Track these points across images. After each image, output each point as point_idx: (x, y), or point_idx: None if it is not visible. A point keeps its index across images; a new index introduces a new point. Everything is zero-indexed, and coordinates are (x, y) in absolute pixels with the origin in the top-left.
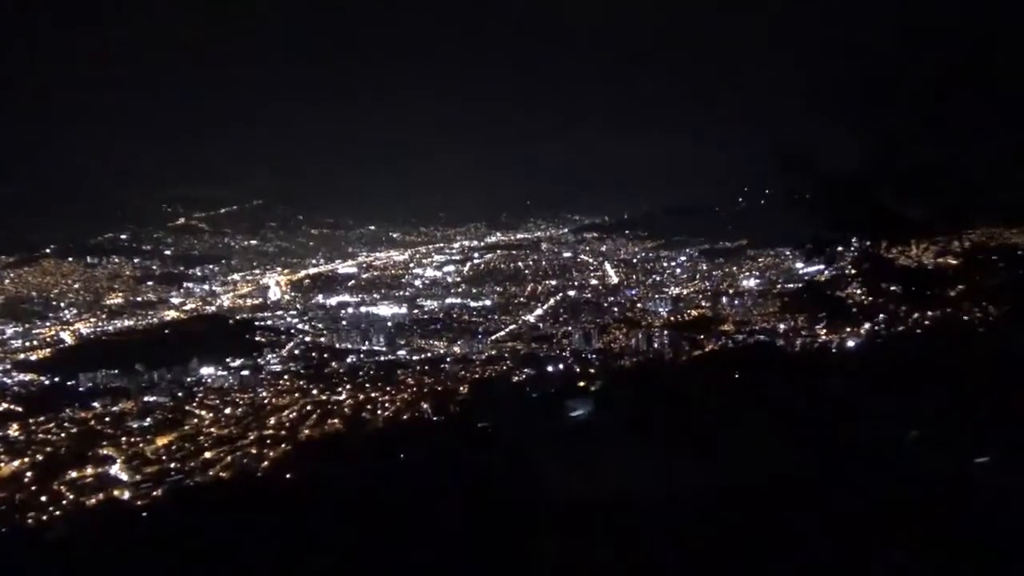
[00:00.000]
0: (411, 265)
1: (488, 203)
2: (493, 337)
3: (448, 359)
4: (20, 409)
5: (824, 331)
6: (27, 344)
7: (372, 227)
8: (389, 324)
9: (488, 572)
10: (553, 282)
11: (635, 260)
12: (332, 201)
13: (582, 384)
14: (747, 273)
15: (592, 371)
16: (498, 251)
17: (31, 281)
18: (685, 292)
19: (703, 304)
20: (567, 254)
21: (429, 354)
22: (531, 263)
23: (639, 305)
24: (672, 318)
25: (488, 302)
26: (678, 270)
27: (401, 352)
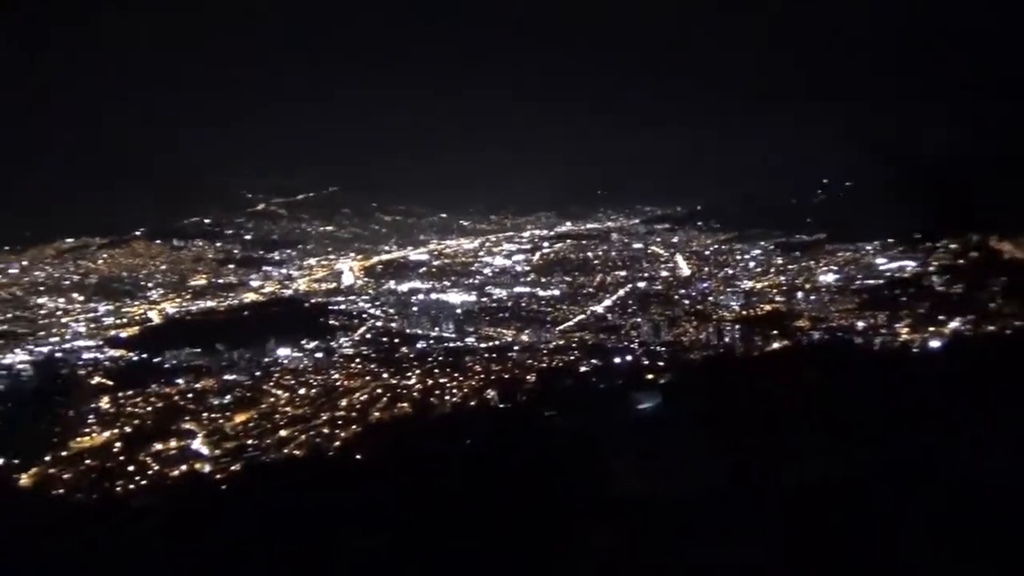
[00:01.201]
0: (481, 253)
1: (558, 193)
2: (561, 327)
3: (515, 348)
4: (111, 383)
5: (906, 330)
6: (117, 322)
7: (443, 215)
8: (458, 311)
9: (539, 560)
10: (622, 273)
11: (707, 252)
12: (404, 189)
13: (650, 377)
14: (825, 268)
15: (661, 364)
16: (567, 241)
17: (122, 262)
18: (759, 286)
19: (777, 299)
20: (637, 245)
21: (497, 342)
22: (600, 253)
23: (710, 298)
24: (744, 312)
25: (556, 292)
26: (752, 263)
27: (469, 339)
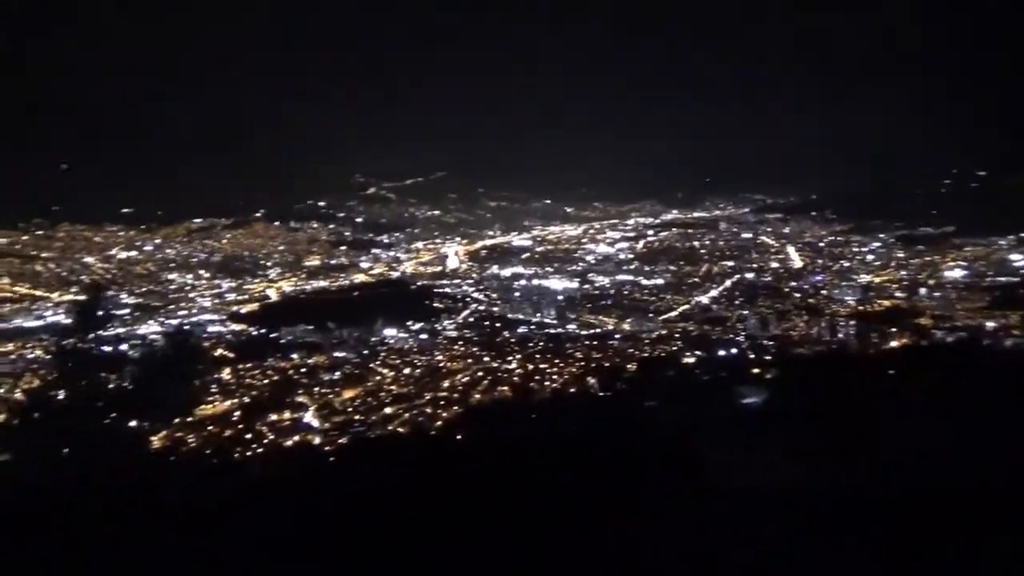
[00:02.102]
0: (584, 240)
1: (665, 180)
2: (664, 317)
3: (616, 336)
4: (232, 355)
5: None
6: (239, 298)
7: (547, 201)
8: (560, 298)
9: (626, 550)
10: (730, 263)
11: (821, 244)
12: (509, 175)
13: (756, 371)
14: (951, 263)
15: (767, 358)
16: (673, 229)
17: (244, 242)
18: (877, 280)
19: (897, 295)
20: (746, 235)
21: (598, 330)
22: (707, 243)
23: (823, 292)
24: (860, 308)
25: (660, 281)
26: (870, 256)
27: (571, 326)
